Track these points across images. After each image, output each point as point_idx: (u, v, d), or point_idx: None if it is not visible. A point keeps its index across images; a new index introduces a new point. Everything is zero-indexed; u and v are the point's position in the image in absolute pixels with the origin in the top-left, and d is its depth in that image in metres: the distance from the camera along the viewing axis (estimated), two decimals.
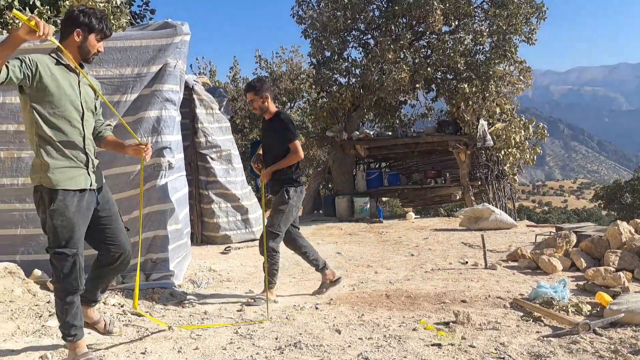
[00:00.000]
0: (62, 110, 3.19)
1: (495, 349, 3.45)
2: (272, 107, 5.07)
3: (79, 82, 3.32)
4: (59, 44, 3.22)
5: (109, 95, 5.24)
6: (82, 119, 3.30)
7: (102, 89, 3.87)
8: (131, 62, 5.33)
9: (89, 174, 3.32)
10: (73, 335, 3.25)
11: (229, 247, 7.78)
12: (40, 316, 4.33)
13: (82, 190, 3.27)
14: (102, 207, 3.43)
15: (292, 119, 5.10)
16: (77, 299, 3.28)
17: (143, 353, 3.55)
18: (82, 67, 3.38)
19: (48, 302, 4.60)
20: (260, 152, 5.23)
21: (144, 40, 5.39)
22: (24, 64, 3.00)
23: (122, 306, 4.67)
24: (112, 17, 6.48)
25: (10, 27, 6.70)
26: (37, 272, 5.04)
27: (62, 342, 3.68)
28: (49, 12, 7.19)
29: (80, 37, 3.26)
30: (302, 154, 4.98)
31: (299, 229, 5.26)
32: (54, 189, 3.15)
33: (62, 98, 3.19)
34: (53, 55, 3.24)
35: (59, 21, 6.97)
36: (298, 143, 4.94)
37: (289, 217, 5.01)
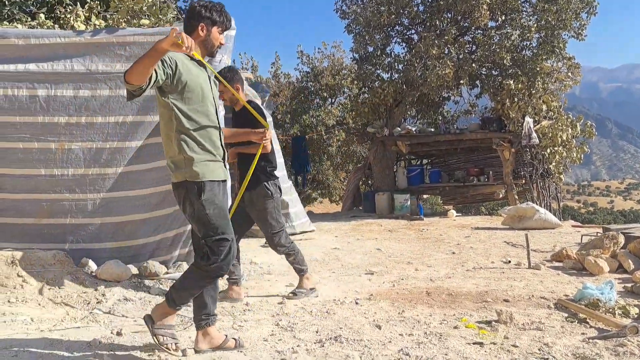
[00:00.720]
0: (201, 105, 3.22)
1: (539, 349, 3.39)
2: (243, 99, 4.82)
3: (208, 77, 3.36)
4: (200, 59, 3.24)
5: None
6: (216, 112, 3.35)
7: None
8: None
9: (225, 166, 3.38)
10: (210, 318, 3.44)
11: None
12: (89, 303, 4.46)
13: (222, 182, 3.32)
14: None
15: (262, 110, 4.88)
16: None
17: (186, 341, 3.62)
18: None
19: (95, 290, 4.73)
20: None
21: None
22: (165, 64, 3.01)
23: None
24: (159, 12, 6.55)
25: (61, 21, 6.83)
26: (86, 260, 5.19)
27: (109, 330, 3.80)
28: (98, 6, 7.31)
29: (204, 31, 3.28)
30: (269, 147, 4.53)
31: (242, 236, 4.95)
32: (201, 181, 3.17)
33: (200, 93, 3.22)
34: None
35: (108, 16, 7.10)
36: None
37: (279, 210, 4.90)
